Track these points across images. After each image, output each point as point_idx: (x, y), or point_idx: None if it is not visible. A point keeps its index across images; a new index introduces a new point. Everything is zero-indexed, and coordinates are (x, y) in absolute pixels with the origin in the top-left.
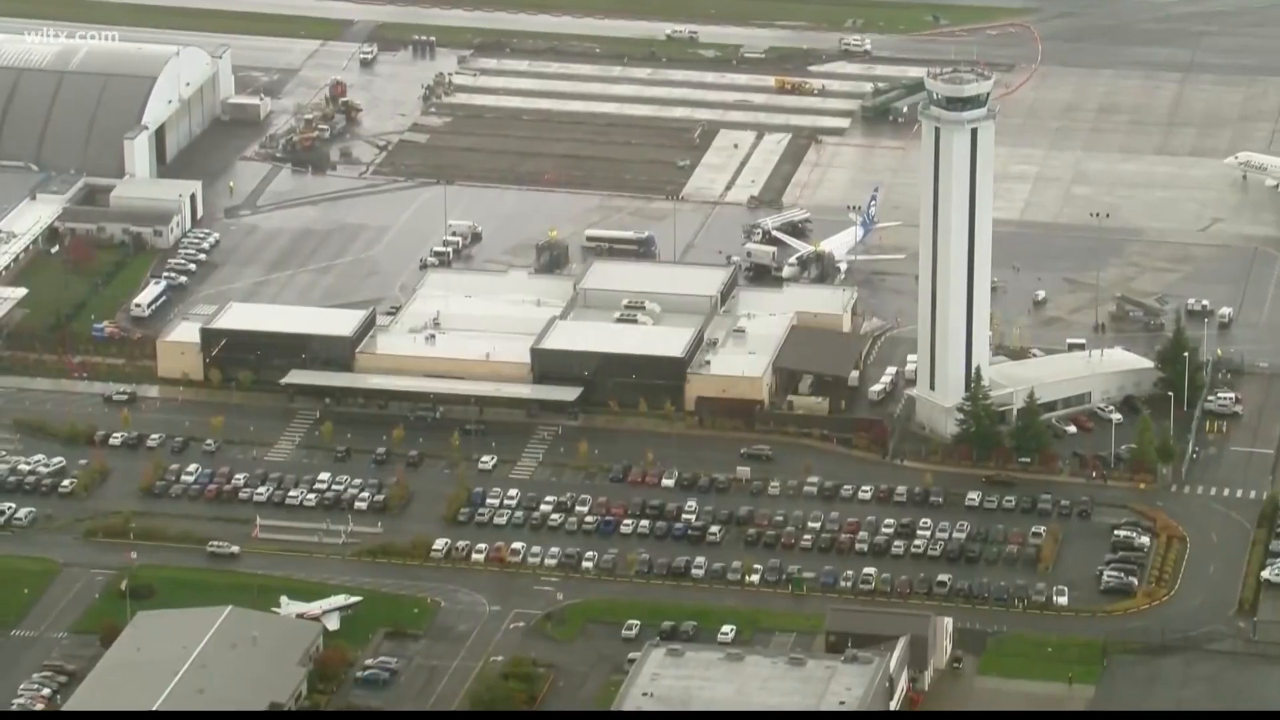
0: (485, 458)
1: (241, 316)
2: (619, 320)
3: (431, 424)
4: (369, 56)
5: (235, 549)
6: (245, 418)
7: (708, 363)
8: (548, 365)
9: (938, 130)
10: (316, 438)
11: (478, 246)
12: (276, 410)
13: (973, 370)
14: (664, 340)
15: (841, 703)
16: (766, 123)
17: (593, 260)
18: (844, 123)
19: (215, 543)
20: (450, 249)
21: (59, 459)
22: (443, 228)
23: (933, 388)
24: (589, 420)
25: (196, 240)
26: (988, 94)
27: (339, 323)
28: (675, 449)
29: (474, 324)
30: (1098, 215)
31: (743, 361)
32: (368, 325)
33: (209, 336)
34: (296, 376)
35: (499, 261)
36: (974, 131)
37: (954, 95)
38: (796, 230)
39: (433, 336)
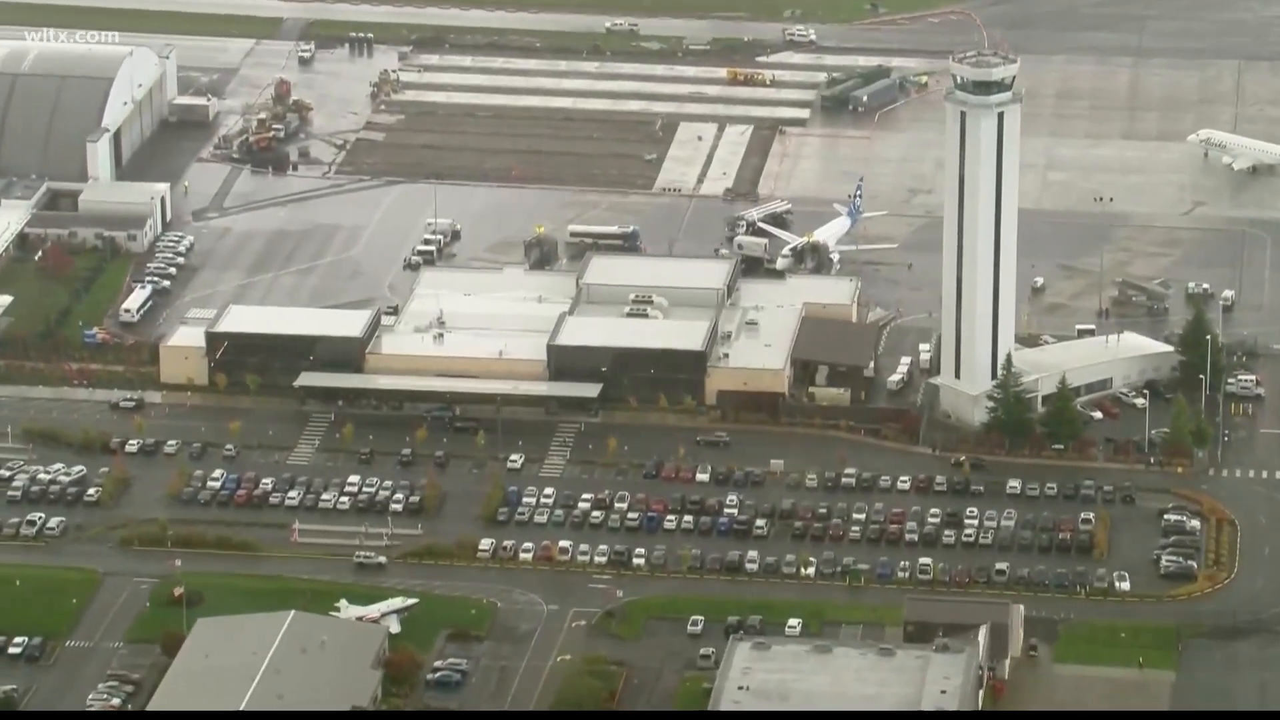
0: (514, 456)
1: (244, 319)
2: (629, 315)
3: (451, 424)
4: (308, 54)
5: (382, 559)
6: (259, 422)
7: (726, 356)
8: (565, 362)
9: (963, 115)
10: (337, 440)
11: (458, 245)
12: (288, 413)
13: (1002, 357)
14: (681, 334)
15: (943, 692)
16: (725, 114)
17: (591, 255)
18: (803, 113)
19: (362, 554)
20: (434, 247)
21: (79, 467)
22: (420, 226)
23: (958, 375)
24: (609, 416)
25: (171, 244)
26: (1013, 77)
27: (347, 323)
28: (702, 444)
29: (479, 322)
30: (1101, 200)
31: (760, 354)
32: (374, 325)
33: (213, 340)
34: (309, 379)
35: (484, 259)
36: (1000, 115)
37: (981, 79)
38: (780, 221)
39: (441, 335)
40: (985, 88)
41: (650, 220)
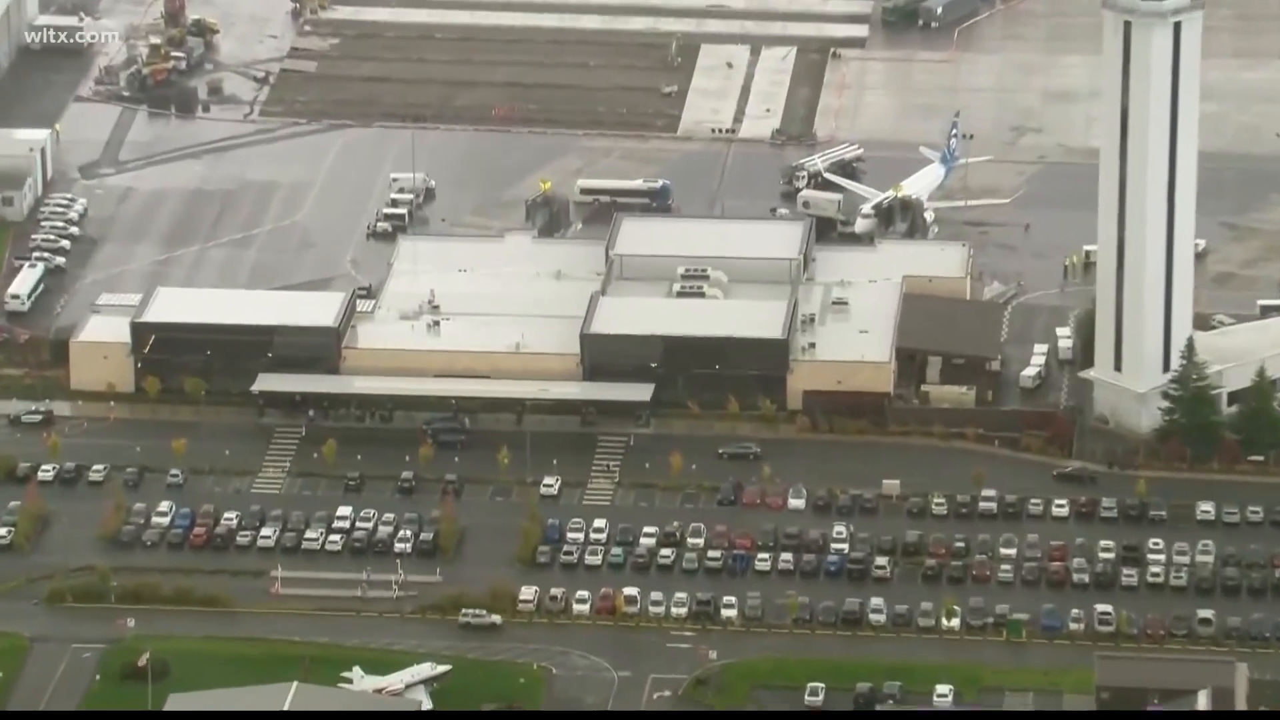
0: (548, 480)
1: (178, 306)
2: (681, 294)
3: (457, 438)
4: None
5: (496, 619)
6: (209, 439)
7: (812, 346)
8: (603, 356)
9: (1128, 27)
10: (315, 461)
11: (432, 206)
12: (245, 428)
13: (1179, 343)
14: (753, 317)
15: None
16: (758, 34)
17: (620, 217)
18: (860, 30)
19: (470, 612)
20: (405, 210)
21: None
22: (381, 182)
23: (1118, 368)
24: (664, 426)
25: (60, 209)
26: None
27: (315, 309)
28: (787, 459)
29: (483, 304)
30: None
31: (856, 343)
32: (349, 312)
33: (140, 333)
34: (270, 382)
35: (473, 225)
36: (1177, 27)
37: None
38: (849, 171)
39: (436, 324)
40: None
41: (679, 172)
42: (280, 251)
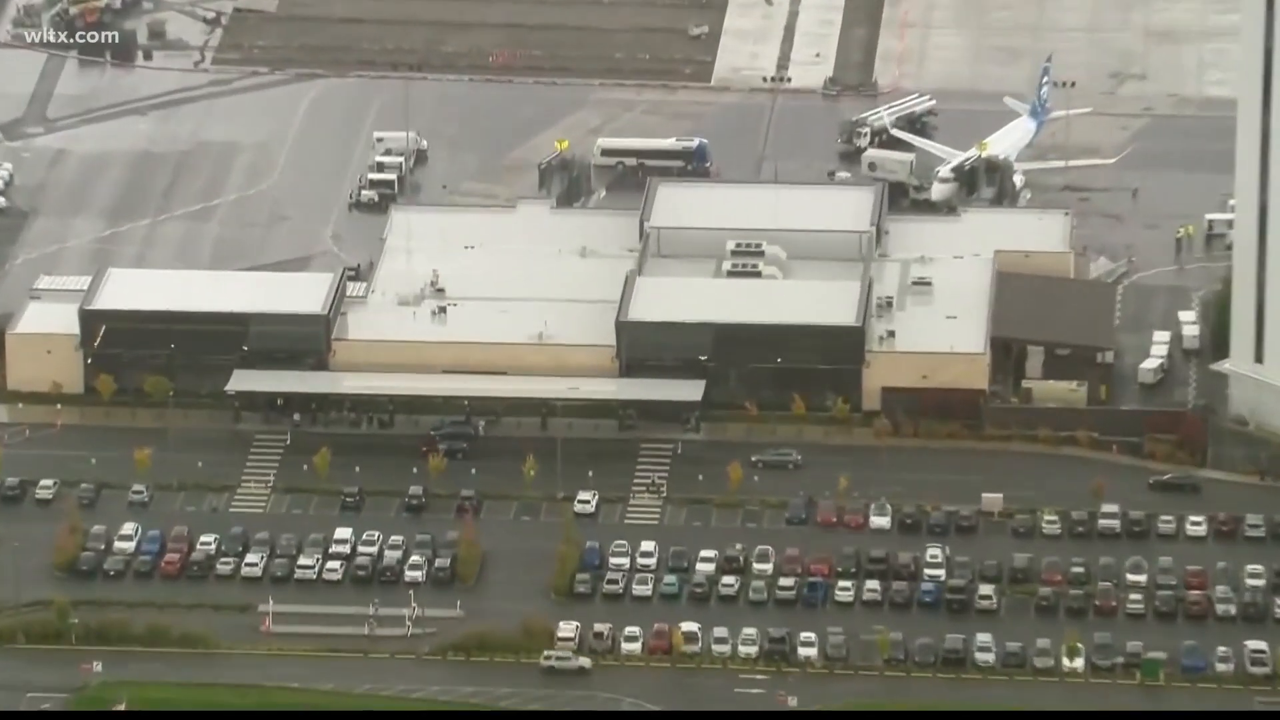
0: (583, 495)
1: (134, 290)
2: (732, 273)
3: (463, 445)
4: None
5: (585, 662)
6: (177, 449)
7: (891, 335)
8: (642, 348)
9: None
10: (304, 474)
11: (424, 171)
12: (219, 435)
13: None
14: (821, 301)
15: None
16: None
17: (654, 182)
18: None
19: (553, 655)
20: (394, 175)
21: None
22: (362, 143)
23: (1259, 360)
24: (716, 430)
25: None
26: None
27: (298, 294)
28: (866, 469)
29: (496, 288)
30: None
31: (943, 330)
32: (338, 297)
33: (90, 322)
34: (247, 381)
35: (475, 193)
36: None
37: None
38: (920, 127)
39: (442, 310)
40: None
41: (716, 128)
42: (248, 225)
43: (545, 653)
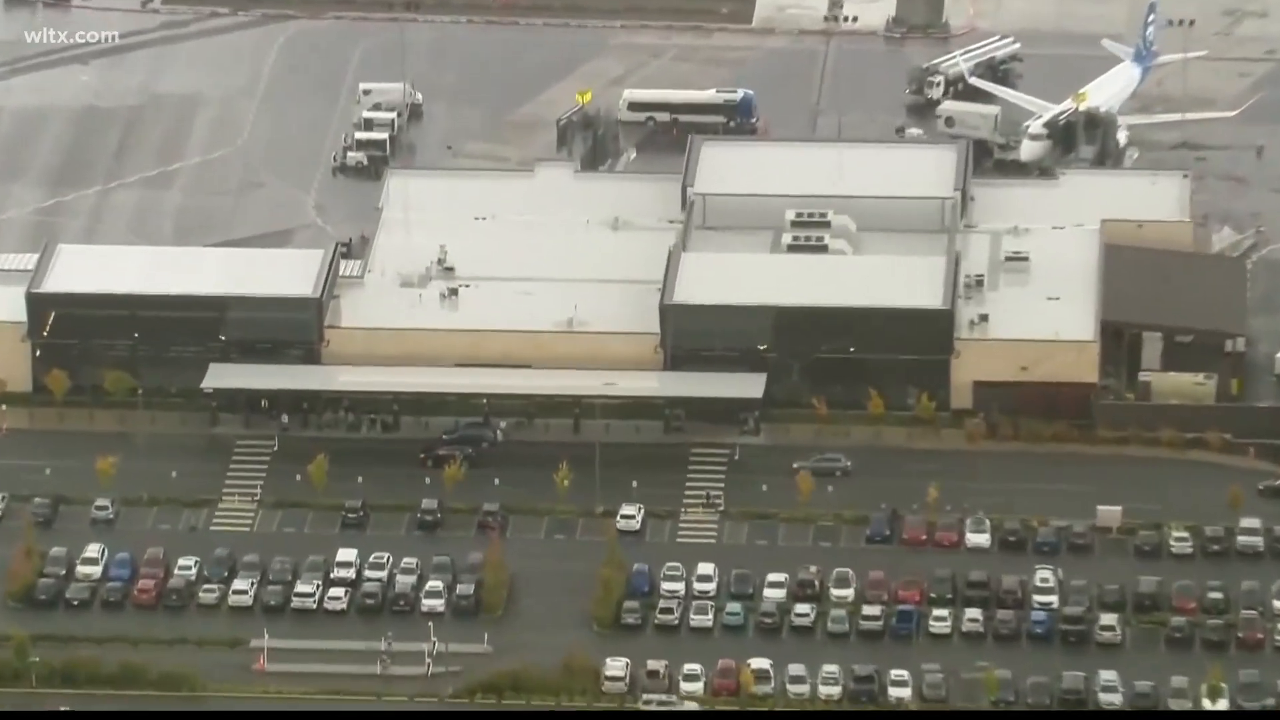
0: (627, 509)
1: (89, 269)
2: (793, 247)
3: (469, 450)
4: None
5: (693, 706)
6: (146, 456)
7: (983, 319)
8: (691, 336)
9: None
10: (298, 486)
11: (419, 128)
12: (194, 441)
13: None
14: (900, 280)
15: None
16: None
17: (697, 141)
18: None
19: (653, 698)
20: (385, 134)
21: None
22: (347, 96)
23: None
24: (778, 433)
25: None
26: None
27: (283, 274)
28: (959, 478)
29: (515, 266)
30: None
31: (1044, 313)
32: (331, 277)
33: (39, 309)
34: (225, 376)
35: (482, 155)
36: None
37: None
38: (1001, 74)
39: (453, 292)
40: None
41: (758, 77)
42: (215, 193)
43: (645, 697)
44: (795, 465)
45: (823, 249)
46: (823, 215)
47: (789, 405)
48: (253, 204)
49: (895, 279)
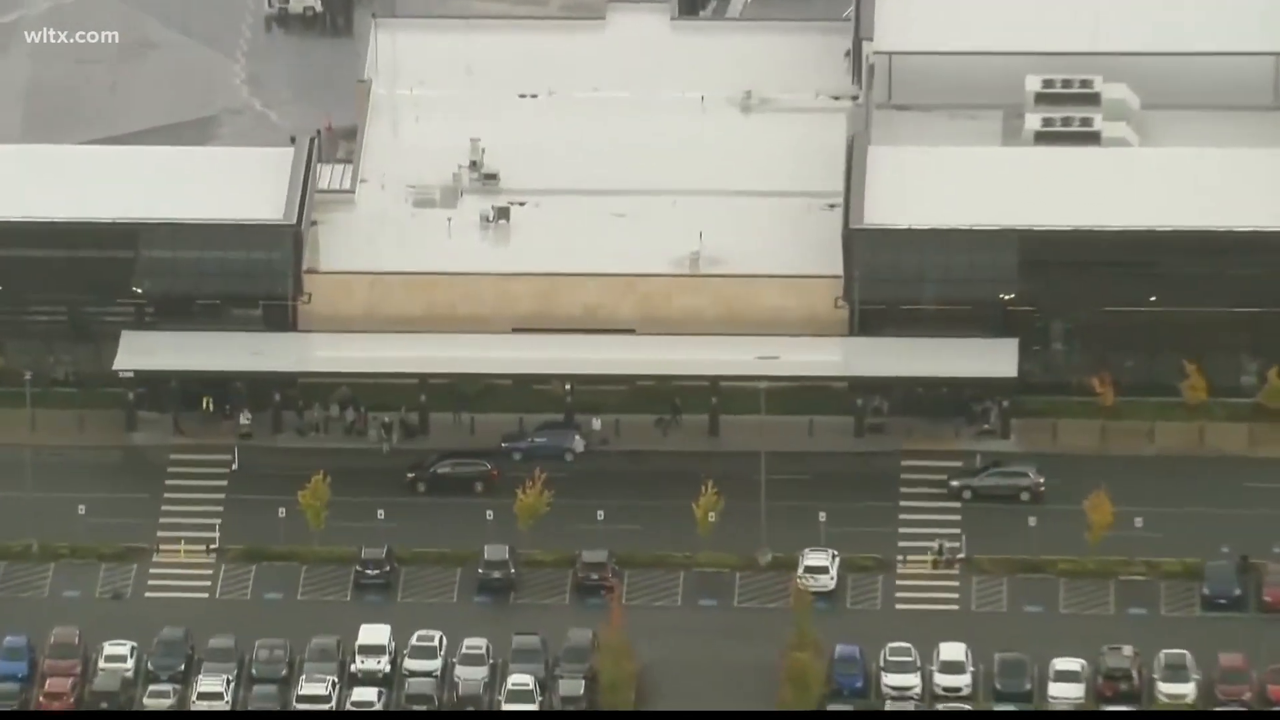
0: (813, 556)
1: None
2: (1044, 136)
3: (488, 468)
4: None
5: None
6: (27, 482)
7: None
8: (890, 282)
9: None
10: (279, 525)
11: None
12: (106, 455)
13: None
14: (1218, 190)
15: None
16: None
17: None
18: None
19: None
20: None
21: None
22: None
23: None
24: (1036, 430)
25: None
26: None
27: (229, 186)
28: None
29: (591, 173)
30: None
31: None
32: (307, 193)
33: None
34: (144, 350)
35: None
36: None
37: None
38: None
39: (503, 213)
40: None
41: None
42: (84, 62)
43: None
44: (953, 483)
45: (1094, 138)
46: (1089, 84)
47: (1051, 390)
48: (145, 79)
49: (1212, 189)
